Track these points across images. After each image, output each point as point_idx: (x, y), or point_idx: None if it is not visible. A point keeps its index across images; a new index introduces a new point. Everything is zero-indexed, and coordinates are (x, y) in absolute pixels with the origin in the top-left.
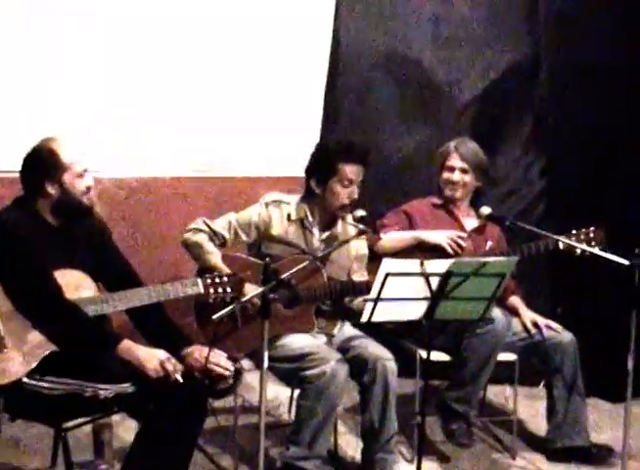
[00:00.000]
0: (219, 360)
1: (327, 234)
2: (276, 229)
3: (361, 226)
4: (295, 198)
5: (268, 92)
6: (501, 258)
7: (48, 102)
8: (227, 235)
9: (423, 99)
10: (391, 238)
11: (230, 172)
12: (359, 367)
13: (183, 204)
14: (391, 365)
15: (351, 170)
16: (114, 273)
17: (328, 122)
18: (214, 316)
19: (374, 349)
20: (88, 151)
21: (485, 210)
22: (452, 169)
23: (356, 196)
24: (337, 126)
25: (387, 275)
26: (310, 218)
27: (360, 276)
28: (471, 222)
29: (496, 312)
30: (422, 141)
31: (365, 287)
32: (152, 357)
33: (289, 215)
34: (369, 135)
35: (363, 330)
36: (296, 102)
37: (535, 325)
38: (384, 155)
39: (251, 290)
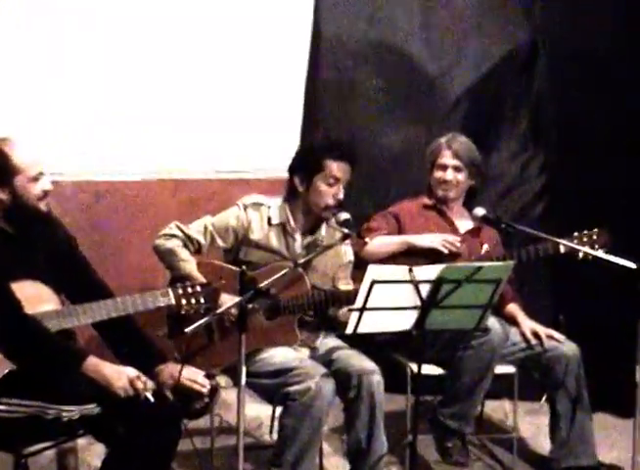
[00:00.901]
0: (194, 377)
1: (310, 239)
2: (255, 234)
3: (346, 230)
4: (275, 200)
5: (243, 87)
6: (497, 263)
7: (17, 101)
8: (203, 240)
9: (411, 92)
10: (379, 243)
11: (204, 174)
12: (343, 382)
13: (154, 208)
14: (377, 379)
15: (338, 168)
16: (79, 284)
17: (309, 120)
18: (187, 330)
19: (358, 361)
20: (47, 152)
21: (480, 211)
22: (444, 168)
23: (342, 196)
24: (318, 123)
25: (373, 283)
26: (292, 223)
27: (346, 284)
28: (464, 224)
29: (492, 322)
30: (410, 138)
31: (351, 296)
32: (120, 375)
33: (269, 219)
34: (353, 132)
35: (349, 342)
36: (273, 98)
37: (535, 335)
38: (369, 153)
39: (228, 300)
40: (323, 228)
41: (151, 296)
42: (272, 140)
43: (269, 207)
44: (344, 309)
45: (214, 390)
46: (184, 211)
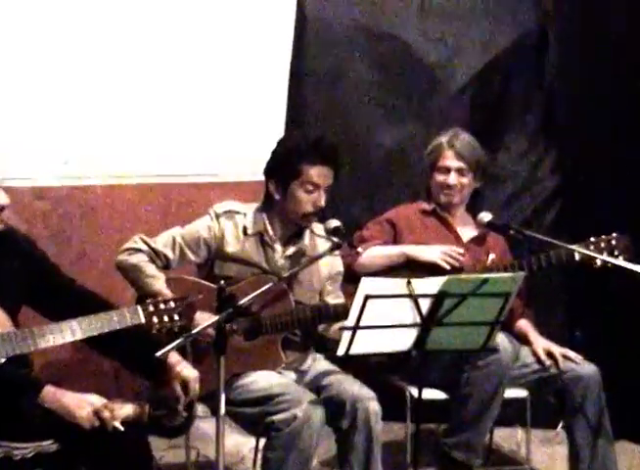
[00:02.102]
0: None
1: (292, 249)
2: (230, 245)
3: (335, 239)
4: (250, 207)
5: (219, 80)
6: (505, 274)
7: None
8: (171, 255)
9: (408, 84)
10: (373, 254)
11: (176, 177)
12: (336, 410)
13: (119, 216)
14: (374, 406)
15: (317, 173)
16: (61, 300)
17: (293, 115)
18: (158, 353)
19: (352, 386)
20: (0, 156)
21: (485, 216)
22: (447, 171)
23: (323, 203)
24: (303, 119)
25: (366, 297)
26: (270, 231)
27: (335, 298)
28: (468, 232)
29: (501, 340)
30: (407, 136)
31: (342, 311)
32: (83, 404)
33: (245, 229)
34: (342, 129)
35: (340, 365)
36: (253, 92)
37: (549, 355)
38: (361, 153)
39: (204, 319)
40: (306, 236)
41: (117, 315)
42: (252, 139)
43: (244, 214)
44: (335, 327)
45: (190, 406)
46: (153, 219)
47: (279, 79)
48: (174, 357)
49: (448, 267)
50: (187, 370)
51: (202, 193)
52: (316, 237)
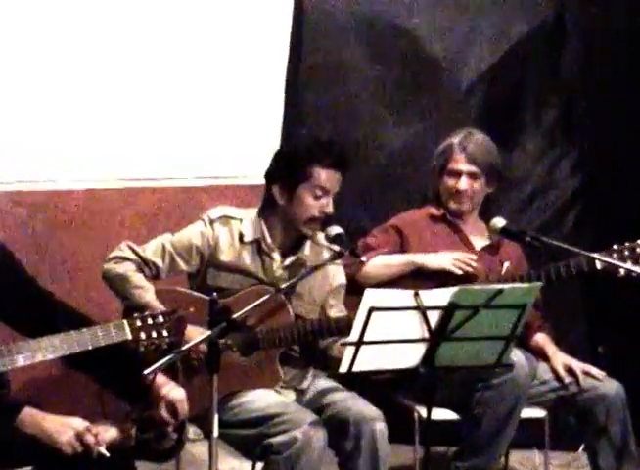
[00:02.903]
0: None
1: (291, 259)
2: (225, 254)
3: (337, 248)
4: (248, 213)
5: (211, 75)
6: (521, 284)
7: None
8: (161, 263)
9: (414, 79)
10: (378, 263)
11: (165, 181)
12: (339, 431)
13: (104, 222)
14: (380, 427)
15: (328, 177)
16: (37, 315)
17: (290, 113)
18: (146, 371)
19: (357, 406)
20: None
21: (499, 222)
22: (457, 175)
23: (331, 210)
24: (301, 118)
25: (371, 310)
26: (269, 239)
27: (338, 312)
28: (481, 239)
29: (517, 356)
30: (414, 134)
31: (344, 325)
32: (64, 428)
33: (241, 236)
34: (344, 129)
35: (343, 383)
36: (248, 87)
37: (570, 371)
38: (365, 154)
39: (196, 334)
40: (307, 246)
41: (102, 330)
42: (248, 138)
43: (241, 221)
44: (339, 346)
45: (182, 427)
46: (140, 226)
47: (275, 76)
48: (160, 378)
49: (460, 272)
50: (174, 391)
51: (193, 197)
52: (318, 247)
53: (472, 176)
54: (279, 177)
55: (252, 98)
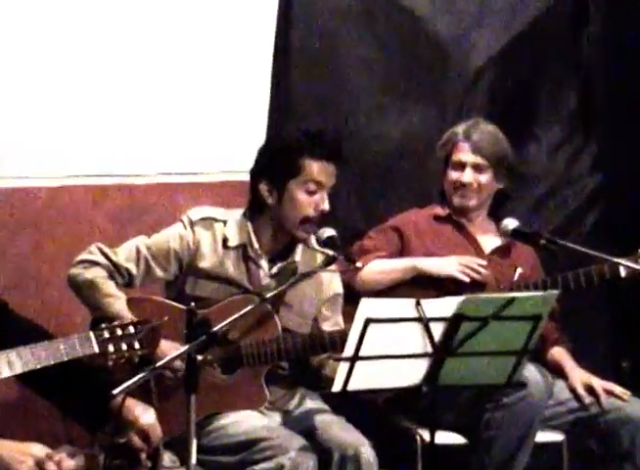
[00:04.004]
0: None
1: (280, 266)
2: (206, 260)
3: (330, 252)
4: (233, 214)
5: (189, 61)
6: (535, 293)
7: None
8: (134, 270)
9: (417, 64)
10: (376, 269)
11: (139, 178)
12: (323, 460)
13: (71, 223)
14: (366, 454)
15: (321, 169)
16: None
17: (278, 103)
18: (115, 391)
19: (340, 432)
20: None
21: (511, 223)
22: (461, 167)
23: (327, 206)
24: (291, 108)
25: (367, 322)
26: (256, 244)
27: (334, 326)
28: (491, 242)
29: (531, 372)
30: (417, 125)
31: (339, 340)
32: (22, 456)
33: (224, 240)
34: (339, 119)
35: (336, 404)
36: (231, 75)
37: (590, 390)
38: (361, 147)
39: (171, 349)
40: (298, 251)
41: (65, 343)
42: (231, 131)
43: (224, 222)
44: (331, 360)
45: (156, 454)
46: (111, 228)
47: (261, 61)
48: (131, 400)
49: (467, 279)
50: (146, 414)
51: (170, 195)
52: (310, 252)
53: (477, 168)
54: (266, 173)
55: (235, 86)
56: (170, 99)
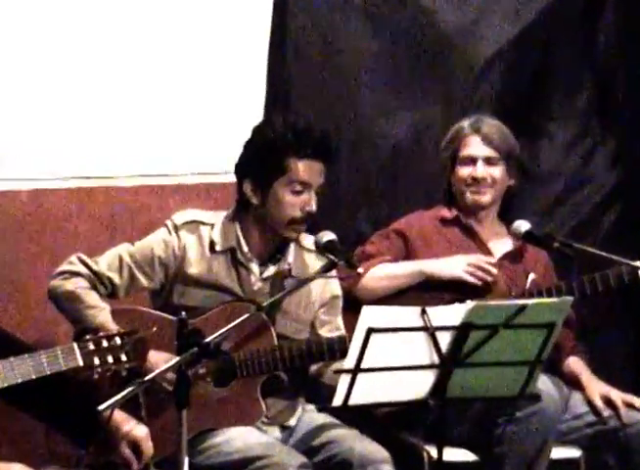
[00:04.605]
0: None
1: (272, 269)
2: (194, 266)
3: (330, 256)
4: (219, 216)
5: (178, 51)
6: (549, 299)
7: None
8: (117, 279)
9: (421, 57)
10: (379, 274)
11: (123, 179)
12: None
13: (50, 230)
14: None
15: (307, 168)
16: None
17: (274, 99)
18: (102, 406)
19: (360, 444)
20: None
21: (522, 225)
22: (472, 161)
23: (314, 207)
24: (288, 104)
25: (369, 331)
26: (245, 247)
27: (333, 331)
28: (502, 245)
29: (545, 384)
30: (422, 122)
31: (339, 348)
32: None
33: (212, 244)
34: (339, 116)
35: (339, 418)
36: (224, 69)
37: (609, 402)
38: (363, 146)
39: (161, 361)
40: (290, 252)
41: (47, 355)
42: (223, 130)
43: (211, 226)
44: (332, 369)
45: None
46: (94, 234)
47: (256, 54)
48: (119, 414)
49: (478, 282)
50: (137, 428)
51: (159, 198)
52: (305, 253)
53: (489, 162)
54: (250, 172)
55: (228, 80)
56: (158, 93)
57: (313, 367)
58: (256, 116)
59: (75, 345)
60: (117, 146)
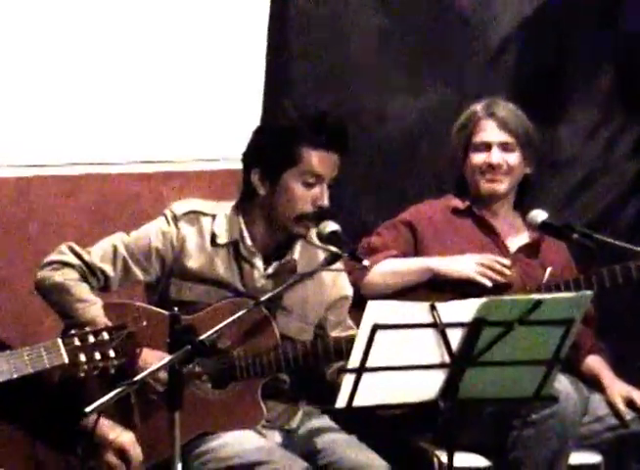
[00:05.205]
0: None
1: (277, 265)
2: (193, 259)
3: (334, 249)
4: (221, 207)
5: (173, 33)
6: (567, 294)
7: None
8: (111, 271)
9: (432, 39)
10: (386, 269)
11: (116, 166)
12: None
13: (39, 219)
14: None
15: (321, 159)
16: None
17: (274, 82)
18: (89, 408)
19: (356, 452)
20: None
21: (539, 215)
22: (487, 147)
23: (326, 201)
24: (289, 88)
25: (375, 328)
26: (249, 241)
27: (345, 331)
28: (517, 237)
29: (563, 384)
30: (432, 107)
31: (347, 348)
32: None
33: (213, 237)
34: (344, 101)
35: (344, 421)
36: (221, 50)
37: (630, 404)
38: (370, 132)
39: (154, 359)
40: (297, 248)
41: (29, 352)
42: (221, 113)
43: (213, 217)
44: (332, 370)
45: None
46: (85, 223)
47: (255, 33)
48: (105, 420)
49: (489, 284)
50: (123, 435)
51: (152, 186)
52: (312, 248)
53: (505, 148)
54: (259, 160)
55: (226, 62)
56: (149, 79)
57: (328, 372)
58: (256, 101)
59: (60, 340)
60: (106, 132)
